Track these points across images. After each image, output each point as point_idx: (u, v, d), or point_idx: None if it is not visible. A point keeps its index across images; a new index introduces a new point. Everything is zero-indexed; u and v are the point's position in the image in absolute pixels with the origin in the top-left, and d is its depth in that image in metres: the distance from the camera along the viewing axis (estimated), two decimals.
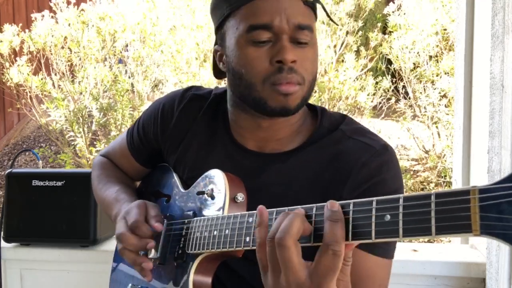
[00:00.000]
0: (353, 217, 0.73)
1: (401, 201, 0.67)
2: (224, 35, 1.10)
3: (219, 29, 1.12)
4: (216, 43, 1.16)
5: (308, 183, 1.08)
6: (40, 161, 2.22)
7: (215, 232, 0.99)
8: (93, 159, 4.56)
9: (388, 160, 1.06)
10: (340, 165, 1.06)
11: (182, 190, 1.20)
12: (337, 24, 1.17)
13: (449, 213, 0.61)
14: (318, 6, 1.11)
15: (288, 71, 1.03)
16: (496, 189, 0.57)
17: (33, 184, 1.97)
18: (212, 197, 1.07)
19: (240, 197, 1.04)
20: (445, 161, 4.26)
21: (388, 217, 0.68)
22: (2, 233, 2.00)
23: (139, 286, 1.20)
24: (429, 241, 3.75)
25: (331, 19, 1.17)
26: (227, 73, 1.13)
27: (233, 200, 1.04)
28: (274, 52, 1.03)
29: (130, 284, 1.23)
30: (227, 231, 0.95)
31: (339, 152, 1.08)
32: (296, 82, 1.04)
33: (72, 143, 4.81)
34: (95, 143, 4.81)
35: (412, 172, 4.60)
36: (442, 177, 4.35)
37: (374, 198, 0.71)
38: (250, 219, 0.91)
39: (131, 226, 1.07)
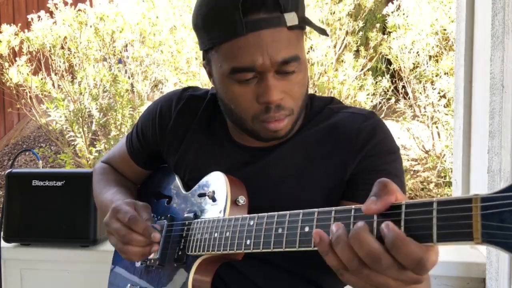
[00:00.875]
0: (353, 221, 0.73)
1: (403, 208, 0.67)
2: (210, 62, 1.09)
3: (205, 51, 1.11)
4: (203, 58, 1.14)
5: (310, 160, 1.10)
6: (40, 161, 2.22)
7: (215, 234, 0.99)
8: (93, 159, 4.56)
9: (379, 122, 1.12)
10: (336, 135, 1.10)
11: (183, 191, 1.20)
12: (326, 35, 1.16)
13: (451, 220, 0.61)
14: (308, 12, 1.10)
15: (276, 110, 1.04)
16: (499, 197, 0.57)
17: (33, 184, 1.97)
18: (214, 200, 1.07)
19: (242, 200, 1.05)
20: (445, 161, 4.26)
21: (389, 224, 0.68)
22: (2, 233, 2.00)
23: (138, 287, 1.20)
24: None
25: (320, 32, 1.12)
26: (217, 96, 1.14)
27: (234, 202, 1.04)
28: (260, 91, 1.02)
29: (128, 285, 1.23)
30: (227, 234, 0.96)
31: (331, 125, 1.12)
32: (284, 116, 1.05)
33: (72, 143, 4.80)
34: (95, 143, 4.81)
35: (412, 172, 4.60)
36: (442, 177, 4.35)
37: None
38: (251, 222, 0.91)
39: (129, 223, 1.06)
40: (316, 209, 0.78)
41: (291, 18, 1.00)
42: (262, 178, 1.11)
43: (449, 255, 1.81)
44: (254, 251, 0.89)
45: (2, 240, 2.01)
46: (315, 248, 0.76)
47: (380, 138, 1.09)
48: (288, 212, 0.84)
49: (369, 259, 0.67)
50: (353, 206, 0.74)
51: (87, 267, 2.01)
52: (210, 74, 1.14)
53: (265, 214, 0.89)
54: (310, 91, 4.37)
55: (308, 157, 1.11)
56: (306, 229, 0.79)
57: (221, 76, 1.05)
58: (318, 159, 1.10)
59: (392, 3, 4.61)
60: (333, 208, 0.76)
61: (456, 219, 0.60)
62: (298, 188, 1.09)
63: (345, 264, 0.70)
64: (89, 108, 4.72)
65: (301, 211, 0.81)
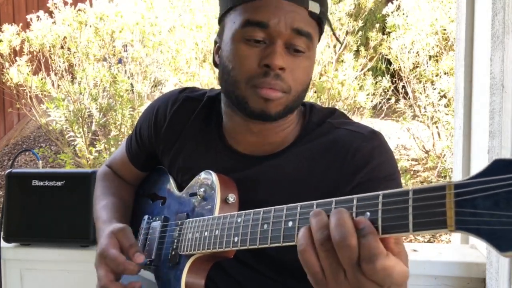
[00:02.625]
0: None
1: (380, 198, 0.67)
2: (224, 28, 1.10)
3: (221, 21, 1.12)
4: (218, 33, 1.15)
5: (302, 176, 1.07)
6: (40, 161, 2.22)
7: (205, 233, 0.99)
8: (93, 159, 4.57)
9: (379, 144, 1.07)
10: (332, 153, 1.07)
11: (176, 192, 1.21)
12: (341, 43, 1.15)
13: (426, 209, 0.61)
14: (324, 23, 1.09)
15: (274, 77, 1.01)
16: (471, 183, 0.57)
17: (33, 184, 1.97)
18: (204, 199, 1.07)
19: (232, 198, 1.05)
20: (445, 161, 4.26)
21: (368, 214, 0.68)
22: (2, 233, 1.99)
23: None
24: (429, 241, 3.76)
25: (336, 38, 1.15)
26: (219, 66, 1.12)
27: (224, 201, 1.04)
28: (265, 54, 1.01)
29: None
30: (217, 232, 0.96)
31: (329, 142, 1.08)
32: (280, 89, 1.02)
33: (72, 143, 4.80)
34: (95, 143, 4.81)
35: (412, 172, 4.60)
36: (442, 177, 4.35)
37: (355, 196, 0.71)
38: (239, 219, 0.91)
39: (118, 270, 1.04)
40: (298, 204, 0.79)
41: (314, 6, 1.03)
42: (252, 188, 1.08)
43: (449, 255, 1.81)
44: (242, 248, 0.89)
45: (2, 240, 2.01)
46: None
47: (378, 162, 1.04)
48: (273, 207, 0.84)
49: (339, 234, 0.67)
50: (334, 199, 0.74)
51: (87, 267, 2.00)
52: (217, 50, 1.13)
53: (252, 210, 0.89)
54: (310, 91, 4.38)
55: (301, 173, 1.08)
56: (290, 224, 0.79)
57: (232, 33, 1.05)
58: (311, 175, 1.07)
59: (392, 3, 4.62)
60: (315, 201, 0.77)
61: (431, 207, 0.60)
62: (288, 203, 1.07)
63: (314, 236, 0.70)
64: (89, 108, 4.72)
65: (285, 206, 0.81)
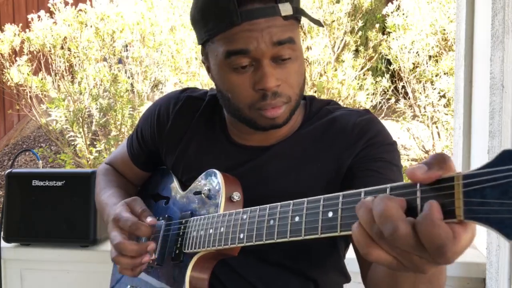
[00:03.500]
0: (341, 208, 0.73)
1: (388, 190, 0.67)
2: (207, 55, 1.11)
3: (202, 46, 1.12)
4: (202, 54, 1.16)
5: (306, 156, 1.11)
6: (40, 161, 2.22)
7: (210, 231, 1.00)
8: (93, 159, 4.57)
9: (374, 118, 1.14)
10: (333, 130, 1.12)
11: (180, 191, 1.21)
12: (322, 26, 1.14)
13: (434, 199, 0.61)
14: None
15: (272, 97, 1.04)
16: (480, 174, 0.57)
17: (33, 184, 1.97)
18: (209, 197, 1.08)
19: (236, 196, 1.05)
20: None
21: None
22: (2, 233, 2.00)
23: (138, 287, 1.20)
24: None
25: (315, 22, 1.12)
26: (216, 87, 1.14)
27: (229, 199, 1.05)
28: (257, 78, 1.03)
29: (128, 286, 1.24)
30: (222, 229, 0.96)
31: (328, 122, 1.14)
32: (281, 104, 1.05)
33: (72, 143, 4.81)
34: (95, 143, 4.81)
35: None
36: None
37: (362, 190, 0.71)
38: (244, 216, 0.92)
39: (130, 230, 1.06)
40: (305, 199, 0.79)
41: (285, 8, 1.02)
42: (259, 174, 1.12)
43: None
44: (248, 244, 0.90)
45: (2, 240, 2.01)
46: (306, 238, 0.77)
47: (376, 131, 1.10)
48: (279, 203, 0.85)
49: (386, 229, 0.62)
50: (341, 193, 0.73)
51: (87, 267, 2.01)
52: (208, 69, 1.15)
53: (258, 207, 0.89)
54: (310, 91, 4.39)
55: (305, 153, 1.12)
56: (296, 219, 0.80)
57: (218, 64, 1.06)
58: (315, 153, 1.11)
59: (392, 3, 4.62)
60: (322, 196, 0.77)
61: (439, 198, 0.61)
62: (295, 182, 1.10)
63: (369, 232, 0.64)
64: (89, 108, 4.72)
65: (291, 201, 0.82)
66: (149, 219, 1.08)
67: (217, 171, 1.09)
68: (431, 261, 0.63)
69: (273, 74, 1.02)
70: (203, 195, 1.09)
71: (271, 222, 0.85)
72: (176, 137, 1.24)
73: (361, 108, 1.15)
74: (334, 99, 4.37)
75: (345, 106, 1.23)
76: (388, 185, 0.67)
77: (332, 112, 1.16)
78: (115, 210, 1.13)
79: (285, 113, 1.07)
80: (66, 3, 4.90)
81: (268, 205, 0.87)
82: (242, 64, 1.03)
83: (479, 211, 0.57)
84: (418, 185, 0.63)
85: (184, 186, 1.21)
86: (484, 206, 0.57)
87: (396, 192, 0.66)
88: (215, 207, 1.05)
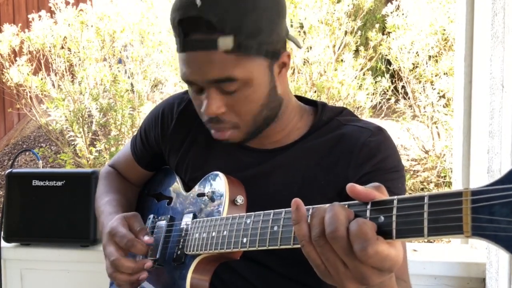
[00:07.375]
0: None
1: (395, 202, 0.67)
2: None
3: None
4: None
5: (311, 170, 1.10)
6: (40, 161, 2.22)
7: (213, 233, 0.99)
8: (93, 159, 4.56)
9: (385, 139, 1.10)
10: (340, 148, 1.09)
11: (183, 192, 1.21)
12: (299, 47, 1.12)
13: (442, 214, 0.61)
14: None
15: (216, 122, 1.06)
16: (489, 191, 0.57)
17: (33, 184, 1.97)
18: (212, 199, 1.08)
19: (240, 199, 1.05)
20: (445, 161, 4.26)
21: (382, 218, 0.69)
22: (2, 233, 1.99)
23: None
24: (429, 241, 3.75)
25: (296, 44, 1.12)
26: None
27: (232, 202, 1.05)
28: (202, 104, 1.06)
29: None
30: (225, 232, 0.96)
31: (337, 137, 1.11)
32: (226, 129, 1.07)
33: (72, 143, 4.80)
34: (95, 143, 4.81)
35: (412, 172, 4.60)
36: (442, 177, 4.35)
37: (369, 201, 0.72)
38: (248, 220, 0.91)
39: (126, 246, 1.06)
40: (310, 206, 0.79)
41: (226, 43, 0.97)
42: (264, 182, 1.11)
43: (449, 255, 1.81)
44: (250, 249, 0.89)
45: (2, 240, 2.00)
46: None
47: (385, 155, 1.07)
48: (284, 209, 0.85)
49: (330, 227, 0.71)
50: (347, 202, 0.74)
51: (87, 267, 2.00)
52: None
53: (262, 212, 0.89)
54: (310, 91, 4.39)
55: (312, 166, 1.10)
56: None
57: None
58: (321, 169, 1.09)
59: (392, 3, 4.62)
60: (327, 205, 0.77)
61: (447, 213, 0.61)
62: (299, 195, 1.08)
63: (311, 232, 0.74)
64: (89, 108, 4.72)
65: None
66: (146, 238, 1.07)
67: (221, 174, 1.09)
68: (351, 278, 0.71)
69: (217, 101, 1.03)
70: (206, 197, 1.09)
71: (275, 228, 0.85)
72: (179, 137, 1.24)
73: (374, 125, 1.10)
74: (334, 99, 4.39)
75: (357, 116, 1.20)
76: (395, 197, 0.69)
77: (343, 125, 1.13)
78: (112, 222, 1.12)
79: (235, 135, 1.08)
80: (67, 3, 4.90)
81: (272, 211, 0.87)
82: (193, 88, 1.06)
83: (487, 228, 0.57)
84: (426, 198, 0.64)
85: (187, 186, 1.21)
86: (492, 224, 0.56)
87: (374, 207, 0.70)
88: (218, 210, 1.05)
